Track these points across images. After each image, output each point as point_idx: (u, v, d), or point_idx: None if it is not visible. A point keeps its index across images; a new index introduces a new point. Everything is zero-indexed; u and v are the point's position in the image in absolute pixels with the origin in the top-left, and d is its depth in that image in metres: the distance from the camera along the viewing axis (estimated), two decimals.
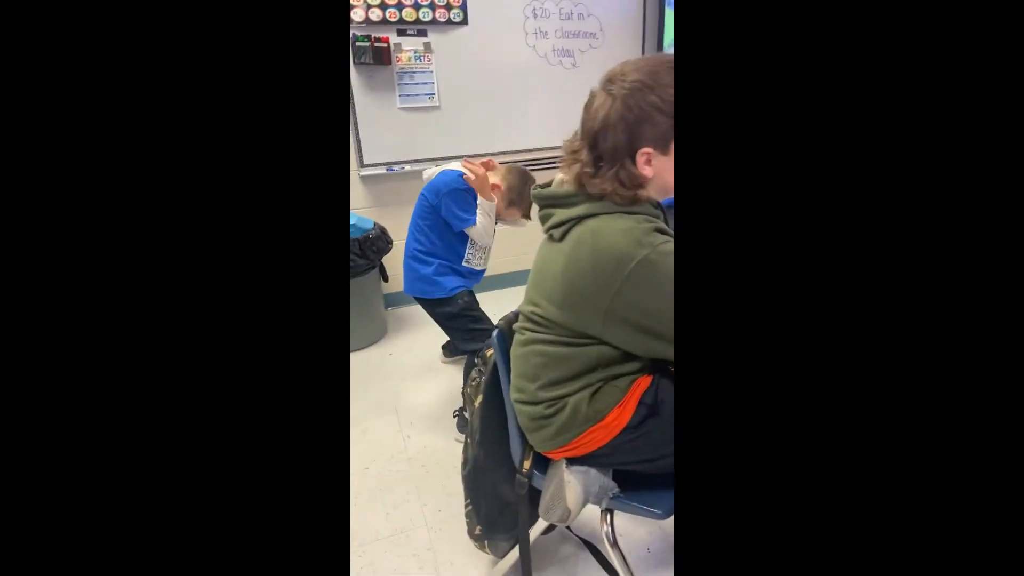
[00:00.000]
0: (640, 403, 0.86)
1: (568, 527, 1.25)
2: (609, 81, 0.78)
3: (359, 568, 1.24)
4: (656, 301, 0.75)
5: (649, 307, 0.76)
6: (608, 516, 0.94)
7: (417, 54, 2.30)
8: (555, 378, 0.86)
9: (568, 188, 0.82)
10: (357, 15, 2.17)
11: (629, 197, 0.78)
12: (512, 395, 0.94)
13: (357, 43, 2.17)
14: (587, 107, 0.80)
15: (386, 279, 2.33)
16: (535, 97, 2.55)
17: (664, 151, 0.77)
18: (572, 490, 0.86)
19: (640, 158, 0.77)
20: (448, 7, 2.28)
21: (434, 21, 2.28)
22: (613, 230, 0.76)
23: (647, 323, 0.77)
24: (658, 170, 0.78)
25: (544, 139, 2.60)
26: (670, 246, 0.75)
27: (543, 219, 0.86)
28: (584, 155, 0.80)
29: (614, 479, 0.92)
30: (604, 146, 0.78)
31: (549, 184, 0.88)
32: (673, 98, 0.75)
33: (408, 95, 2.34)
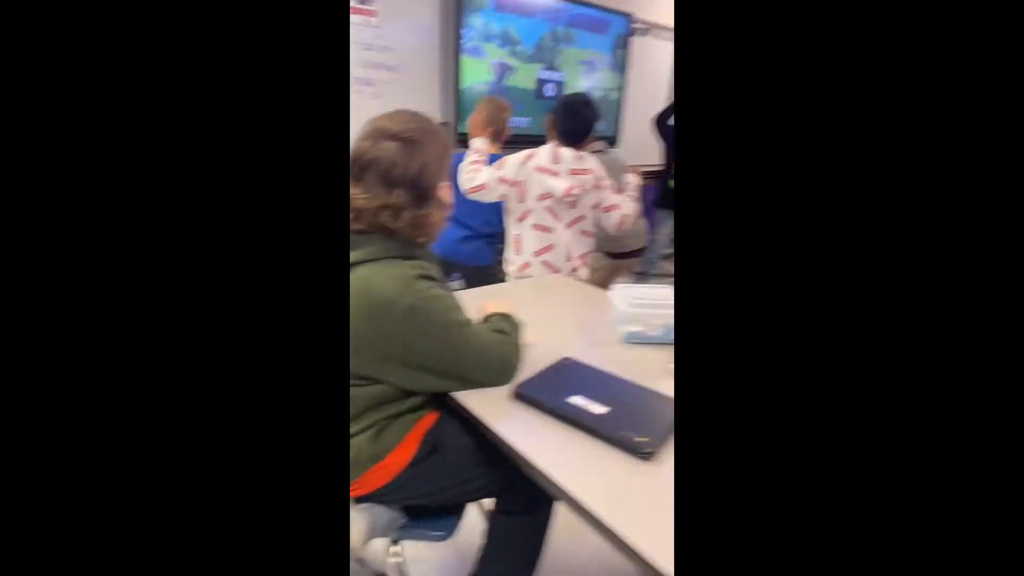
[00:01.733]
0: (423, 442, 0.93)
1: (359, 563, 1.26)
2: (390, 134, 0.86)
3: None
4: (432, 343, 0.84)
5: (427, 348, 0.84)
6: (395, 546, 0.99)
7: None
8: None
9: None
10: None
11: (419, 235, 0.90)
12: None
13: None
14: (378, 159, 0.85)
15: None
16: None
17: (447, 183, 0.94)
18: (352, 530, 0.90)
19: (441, 192, 0.91)
20: None
21: None
22: (382, 276, 0.83)
23: (426, 362, 0.85)
24: (447, 198, 0.95)
25: None
26: (436, 291, 0.86)
27: None
28: (402, 197, 0.85)
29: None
30: (423, 184, 0.87)
31: None
32: (446, 139, 0.93)
33: None
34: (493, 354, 0.91)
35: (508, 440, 0.82)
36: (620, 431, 0.81)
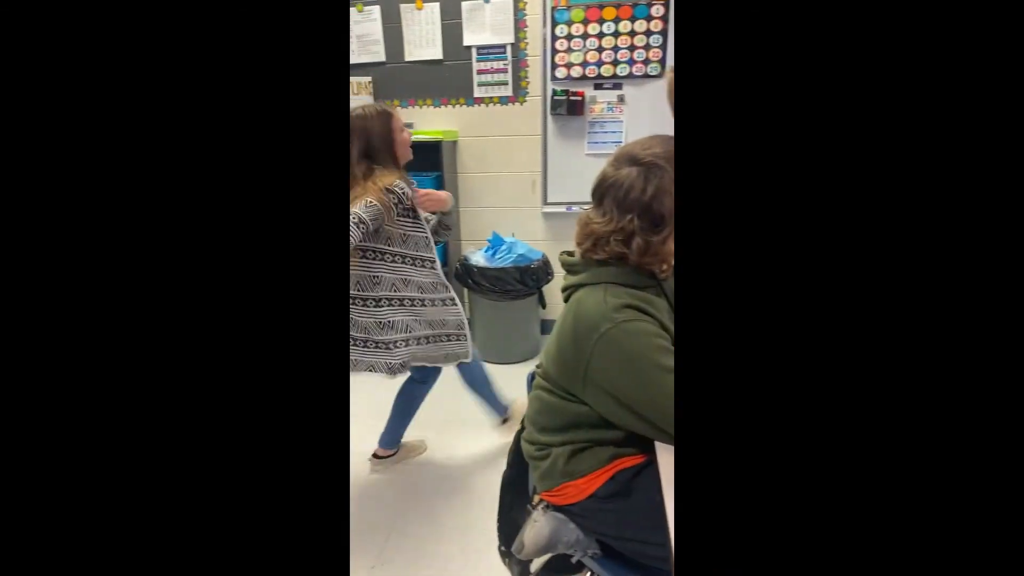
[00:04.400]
0: (612, 478, 0.89)
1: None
2: (632, 159, 0.85)
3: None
4: (621, 374, 0.80)
5: (616, 379, 0.81)
6: (584, 569, 0.98)
7: (610, 106, 2.48)
8: (545, 425, 0.96)
9: (575, 258, 0.92)
10: (560, 72, 2.45)
11: (648, 263, 0.86)
12: (524, 433, 1.06)
13: (555, 97, 2.45)
14: (617, 183, 0.86)
15: (543, 306, 2.56)
16: None
17: None
18: (534, 528, 0.94)
19: None
20: (646, 62, 2.39)
21: (630, 75, 2.42)
22: (591, 301, 0.84)
23: (616, 393, 0.82)
24: None
25: None
26: (637, 325, 0.79)
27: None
28: (634, 223, 0.87)
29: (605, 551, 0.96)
30: (660, 210, 0.83)
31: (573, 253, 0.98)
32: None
33: (597, 143, 2.53)
34: None
35: (670, 511, 0.70)
36: None
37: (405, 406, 1.79)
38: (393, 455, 1.84)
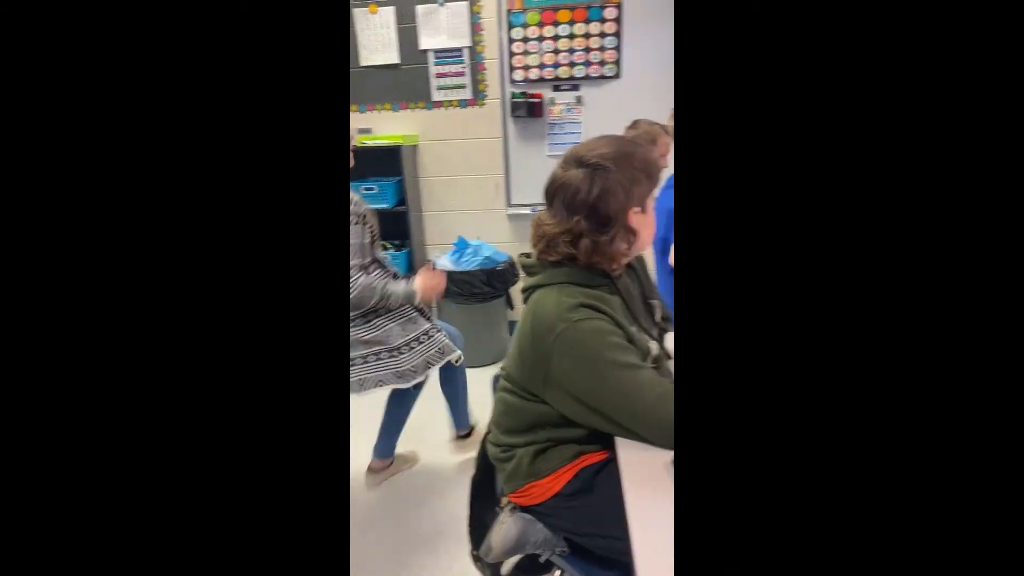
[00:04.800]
0: (576, 476, 0.90)
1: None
2: (579, 160, 0.86)
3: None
4: (579, 373, 0.81)
5: (575, 378, 0.82)
6: (553, 568, 0.99)
7: (569, 107, 2.50)
8: (509, 426, 0.96)
9: (532, 260, 0.93)
10: (518, 75, 2.47)
11: (598, 263, 0.87)
12: (489, 435, 1.06)
13: (514, 99, 2.47)
14: (565, 185, 0.87)
15: (511, 307, 2.57)
16: None
17: (645, 210, 0.88)
18: (501, 530, 0.95)
19: (632, 217, 0.87)
20: (602, 63, 2.43)
21: (587, 77, 2.45)
22: (547, 302, 0.85)
23: (575, 392, 0.83)
24: (640, 226, 0.88)
25: None
26: (592, 323, 0.81)
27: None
28: (582, 224, 0.88)
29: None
30: (605, 211, 0.85)
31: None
32: (648, 163, 0.87)
33: (558, 144, 2.55)
34: (657, 408, 0.78)
35: (628, 506, 0.71)
36: None
37: (397, 413, 1.74)
38: (390, 466, 1.79)
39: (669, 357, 1.01)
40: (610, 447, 0.90)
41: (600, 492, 0.88)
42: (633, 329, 0.88)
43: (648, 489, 0.74)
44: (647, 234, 0.91)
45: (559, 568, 1.00)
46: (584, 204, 0.85)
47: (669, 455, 0.78)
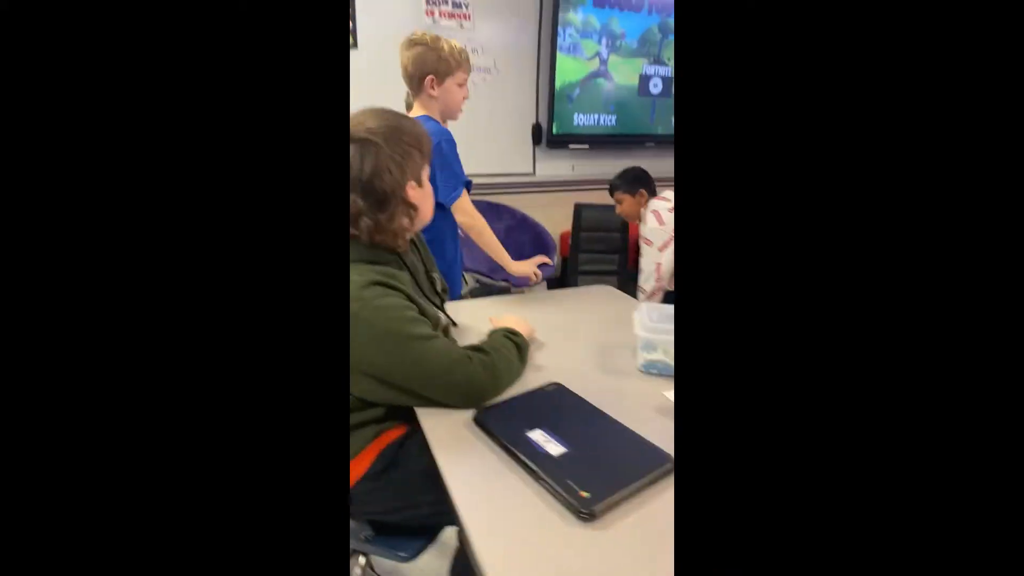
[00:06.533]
0: (380, 455, 0.89)
1: None
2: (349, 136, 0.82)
3: None
4: (377, 352, 0.79)
5: (373, 357, 0.80)
6: (361, 559, 0.96)
7: None
8: None
9: None
10: None
11: (382, 241, 0.85)
12: None
13: None
14: None
15: None
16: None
17: (421, 184, 0.87)
18: None
19: (410, 192, 0.85)
20: None
21: None
22: None
23: (374, 372, 0.80)
24: (419, 200, 0.87)
25: None
26: (386, 300, 0.80)
27: None
28: (359, 203, 0.82)
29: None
30: (379, 188, 0.82)
31: None
32: (418, 137, 0.85)
33: None
34: (454, 372, 0.83)
35: (442, 469, 0.74)
36: (564, 479, 0.68)
37: None
38: None
39: (455, 325, 1.06)
40: (409, 420, 0.91)
41: (405, 465, 0.88)
42: (423, 302, 0.90)
43: (456, 451, 0.78)
44: (427, 207, 0.93)
45: (362, 553, 0.97)
46: (358, 182, 0.81)
47: (468, 414, 0.84)
